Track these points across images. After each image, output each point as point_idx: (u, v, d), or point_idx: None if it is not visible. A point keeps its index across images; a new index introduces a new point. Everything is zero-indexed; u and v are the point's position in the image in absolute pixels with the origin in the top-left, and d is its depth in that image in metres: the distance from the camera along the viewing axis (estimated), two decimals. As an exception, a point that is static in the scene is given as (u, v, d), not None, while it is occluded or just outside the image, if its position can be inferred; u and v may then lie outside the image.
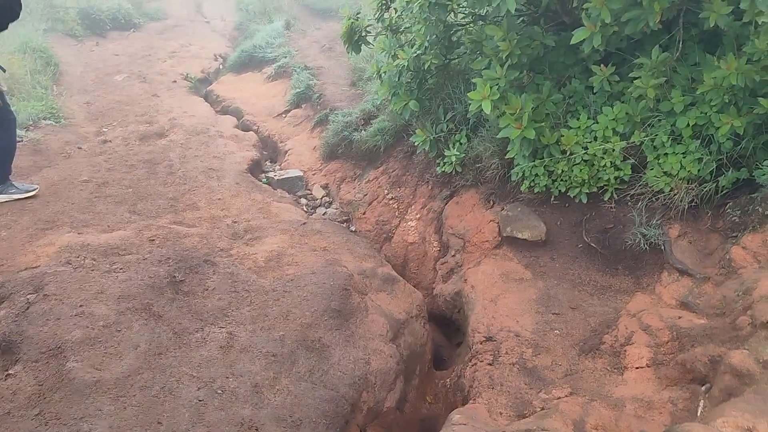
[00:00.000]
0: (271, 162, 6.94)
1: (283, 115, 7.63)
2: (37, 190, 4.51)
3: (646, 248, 3.68)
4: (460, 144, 4.78)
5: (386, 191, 5.39)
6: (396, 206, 5.25)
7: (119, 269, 3.24)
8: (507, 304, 3.68)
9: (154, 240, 3.83)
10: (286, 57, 9.04)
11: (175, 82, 8.83)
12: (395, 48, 4.74)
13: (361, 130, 5.99)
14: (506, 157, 4.25)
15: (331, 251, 3.98)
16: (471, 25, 4.43)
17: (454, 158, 4.68)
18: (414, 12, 3.85)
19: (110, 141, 6.04)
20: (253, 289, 3.32)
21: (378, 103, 6.19)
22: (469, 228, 4.48)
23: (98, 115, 7.18)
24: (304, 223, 4.43)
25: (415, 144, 5.04)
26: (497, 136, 4.12)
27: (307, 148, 6.63)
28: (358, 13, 5.37)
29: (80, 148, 5.74)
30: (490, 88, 3.98)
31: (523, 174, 4.26)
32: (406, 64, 4.42)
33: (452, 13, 4.39)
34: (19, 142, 5.38)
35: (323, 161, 6.24)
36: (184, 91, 8.47)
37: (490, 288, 3.82)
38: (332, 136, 6.10)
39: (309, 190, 5.96)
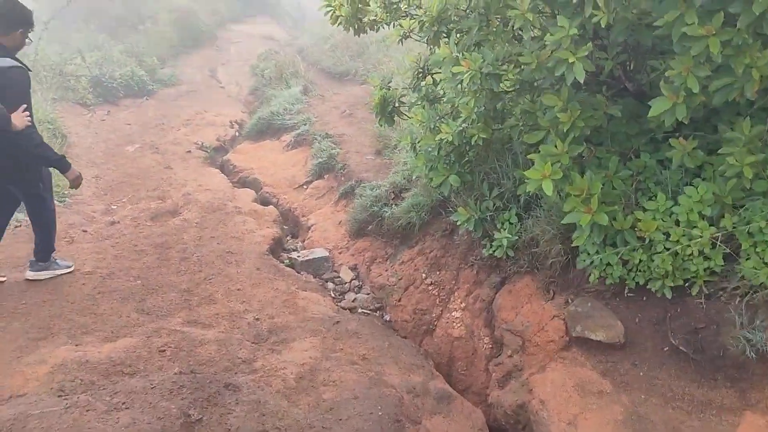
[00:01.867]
0: (292, 237, 6.43)
1: (305, 187, 7.16)
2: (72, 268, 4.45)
3: (752, 356, 3.06)
4: (510, 224, 4.23)
5: (424, 275, 4.82)
6: (436, 293, 4.67)
7: (122, 405, 2.65)
8: (589, 427, 3.04)
9: (164, 351, 3.26)
10: (305, 124, 8.67)
11: (189, 152, 8.44)
12: (434, 120, 4.27)
13: (392, 205, 5.48)
14: (573, 245, 3.69)
15: (372, 361, 3.39)
16: (525, 94, 3.95)
17: (505, 241, 4.13)
18: (464, 83, 3.39)
19: (119, 222, 5.56)
20: (286, 426, 2.71)
21: (409, 175, 5.71)
22: (528, 323, 3.88)
23: (107, 190, 6.74)
24: (337, 322, 3.86)
25: (457, 223, 4.51)
26: (562, 222, 3.57)
27: (332, 224, 6.12)
28: (389, 82, 4.95)
29: (85, 231, 5.25)
30: (551, 165, 3.46)
31: (592, 262, 3.69)
32: (450, 139, 3.93)
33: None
34: (18, 226, 4.92)
35: (350, 238, 5.71)
36: (198, 162, 8.06)
37: (564, 404, 3.19)
38: (360, 212, 5.59)
39: (336, 271, 5.40)
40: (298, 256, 5.45)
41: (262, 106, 11.35)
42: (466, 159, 4.61)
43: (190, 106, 11.80)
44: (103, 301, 3.92)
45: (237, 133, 10.35)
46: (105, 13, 17.11)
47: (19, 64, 3.67)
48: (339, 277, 5.28)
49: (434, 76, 4.52)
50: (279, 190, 7.23)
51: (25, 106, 3.62)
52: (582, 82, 3.24)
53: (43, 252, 4.26)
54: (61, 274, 4.30)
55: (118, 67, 12.59)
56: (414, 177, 5.29)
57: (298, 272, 5.20)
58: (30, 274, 4.20)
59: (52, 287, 4.08)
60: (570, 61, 3.24)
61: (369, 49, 13.70)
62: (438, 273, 4.78)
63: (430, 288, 4.73)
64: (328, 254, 5.52)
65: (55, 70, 10.87)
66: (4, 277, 4.15)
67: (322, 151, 7.38)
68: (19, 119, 3.54)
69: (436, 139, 4.10)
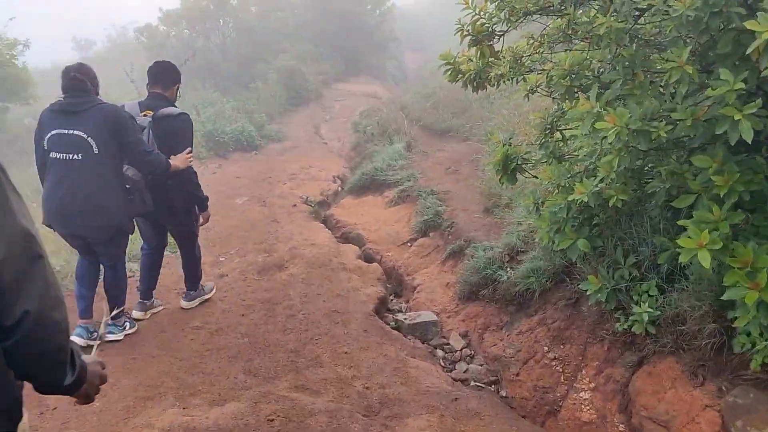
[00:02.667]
0: (396, 296, 6.17)
1: (409, 244, 6.94)
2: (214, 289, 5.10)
3: None
4: (650, 297, 3.76)
5: (545, 348, 4.38)
6: (560, 369, 4.21)
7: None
8: None
9: (273, 420, 3.03)
10: (409, 180, 8.53)
11: (294, 206, 8.50)
12: (565, 178, 3.93)
13: (507, 268, 5.12)
14: (733, 325, 3.18)
15: (500, 449, 3.00)
16: (670, 154, 3.55)
17: (645, 316, 3.65)
18: (608, 140, 3.06)
19: (227, 275, 5.54)
20: None
21: (525, 236, 5.35)
22: (674, 413, 3.35)
23: (216, 242, 6.83)
24: (456, 399, 3.50)
25: (586, 292, 4.08)
26: (721, 298, 3.09)
27: (439, 285, 5.81)
28: (510, 138, 4.69)
29: (196, 283, 5.25)
30: (708, 233, 3.02)
31: (753, 345, 3.15)
32: (585, 200, 3.57)
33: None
34: (130, 277, 4.97)
35: (460, 302, 5.37)
36: (303, 216, 8.07)
37: None
38: (471, 274, 5.26)
39: (445, 337, 5.06)
40: (405, 319, 5.16)
41: (364, 162, 11.42)
42: (596, 222, 4.21)
43: (296, 161, 12.07)
44: (211, 359, 3.79)
45: (340, 188, 10.40)
46: (220, 73, 18.21)
47: (185, 111, 4.18)
48: (448, 344, 4.93)
49: (563, 132, 4.21)
50: (382, 247, 7.04)
51: (190, 149, 4.14)
52: (750, 142, 2.82)
53: (194, 281, 4.81)
54: (207, 298, 4.89)
55: (229, 123, 13.19)
56: (537, 240, 4.92)
57: (405, 336, 4.90)
58: (184, 304, 4.75)
59: (161, 342, 4.01)
60: (736, 118, 2.84)
61: (472, 106, 13.60)
62: (562, 347, 4.33)
63: (552, 363, 4.27)
64: (436, 318, 5.20)
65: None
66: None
67: (427, 208, 7.16)
68: (181, 161, 4.02)
69: (567, 198, 3.75)
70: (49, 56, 25.23)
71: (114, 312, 3.96)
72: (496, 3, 3.59)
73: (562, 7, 3.46)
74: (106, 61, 27.48)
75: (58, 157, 3.56)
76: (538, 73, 4.18)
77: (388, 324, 5.09)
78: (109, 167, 3.63)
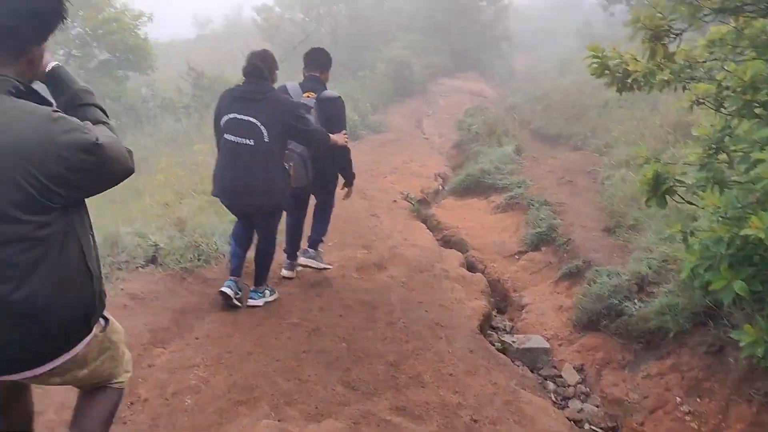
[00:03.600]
0: (499, 313, 5.71)
1: (516, 257, 6.45)
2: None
3: None
4: (826, 362, 3.11)
5: (678, 398, 3.80)
6: (696, 426, 3.63)
7: None
8: None
9: (374, 449, 2.69)
10: (519, 187, 8.00)
11: (395, 201, 8.18)
12: (735, 208, 3.34)
13: (635, 299, 4.55)
14: None
15: None
16: None
17: (821, 386, 3.02)
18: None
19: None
20: None
21: (658, 266, 4.74)
22: None
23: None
24: (581, 452, 3.03)
25: (735, 341, 3.47)
26: None
27: (551, 307, 5.30)
28: (660, 154, 4.11)
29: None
30: None
31: None
32: (762, 236, 2.98)
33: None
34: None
35: (575, 330, 4.84)
36: (404, 213, 7.73)
37: None
38: (592, 301, 4.72)
39: (556, 367, 4.57)
40: (513, 342, 4.70)
41: (468, 162, 10.95)
42: (757, 262, 3.57)
43: (397, 154, 11.77)
44: (308, 364, 3.51)
45: (441, 187, 9.99)
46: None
47: (340, 95, 4.61)
48: (560, 376, 4.43)
49: (731, 153, 3.60)
50: (487, 256, 6.58)
51: (345, 131, 4.58)
52: None
53: (316, 242, 5.07)
54: (324, 269, 5.08)
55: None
56: (679, 273, 4.31)
57: (513, 361, 4.45)
58: (302, 260, 4.96)
59: (257, 337, 3.78)
60: None
61: (588, 113, 12.79)
62: (698, 400, 3.73)
63: (686, 418, 3.69)
64: (547, 345, 4.70)
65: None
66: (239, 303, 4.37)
67: (540, 220, 6.63)
68: (340, 138, 4.45)
69: (739, 232, 3.16)
70: (169, 30, 26.33)
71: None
72: (678, -3, 3.04)
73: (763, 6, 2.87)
74: (223, 38, 28.44)
75: (231, 139, 3.91)
76: (709, 82, 3.58)
77: (494, 344, 4.65)
78: (276, 153, 3.97)
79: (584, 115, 12.80)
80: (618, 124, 10.55)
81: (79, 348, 1.70)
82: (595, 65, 4.27)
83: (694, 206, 4.15)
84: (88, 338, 1.74)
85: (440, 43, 21.21)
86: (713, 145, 3.64)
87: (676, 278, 4.48)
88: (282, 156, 4.07)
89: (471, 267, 6.34)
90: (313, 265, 4.95)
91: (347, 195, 5.12)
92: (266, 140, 3.86)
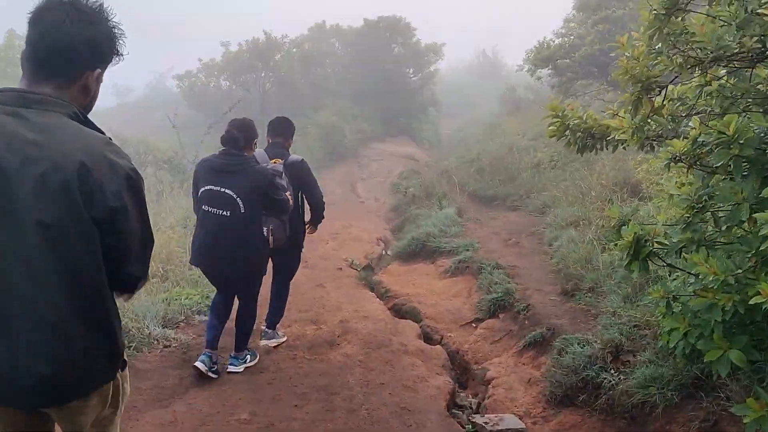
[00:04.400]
0: (460, 388, 5.28)
1: (474, 325, 6.09)
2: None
3: None
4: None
5: (676, 481, 3.46)
6: None
7: None
8: None
9: None
10: (467, 250, 7.75)
11: (340, 269, 7.74)
12: (728, 273, 3.12)
13: (611, 369, 4.25)
14: None
15: None
16: None
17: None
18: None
19: (274, 351, 4.72)
20: None
21: (629, 332, 4.50)
22: None
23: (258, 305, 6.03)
24: None
25: (743, 420, 3.19)
26: None
27: (518, 380, 4.92)
28: (628, 217, 3.92)
29: (239, 359, 4.44)
30: None
31: None
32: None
33: None
34: (166, 347, 4.20)
35: (549, 407, 4.46)
36: (351, 282, 7.28)
37: None
38: (566, 374, 4.39)
39: (534, 451, 4.15)
40: (485, 423, 4.26)
41: (407, 225, 10.72)
42: (754, 330, 3.36)
43: (335, 218, 11.31)
44: (266, 474, 2.94)
45: (384, 252, 9.63)
46: (260, 125, 17.92)
47: (303, 158, 4.85)
48: (541, 460, 4.02)
49: (716, 213, 3.43)
50: (442, 326, 6.19)
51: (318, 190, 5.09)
52: None
53: (275, 323, 5.08)
54: (278, 344, 4.97)
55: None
56: (661, 341, 4.06)
57: (488, 445, 4.01)
58: (263, 342, 4.91)
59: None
60: None
61: (521, 174, 12.96)
62: (698, 482, 3.41)
63: (688, 504, 3.35)
64: (523, 426, 4.29)
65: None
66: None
67: (495, 285, 6.35)
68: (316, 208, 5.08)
69: (739, 300, 2.93)
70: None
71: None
72: (665, 45, 2.87)
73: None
74: (146, 107, 27.68)
75: (209, 210, 3.99)
76: (685, 139, 3.44)
77: (464, 427, 4.21)
78: (253, 222, 4.06)
79: (518, 177, 12.95)
80: (552, 184, 10.67)
81: (103, 389, 1.73)
82: (554, 126, 4.14)
83: (657, 267, 3.97)
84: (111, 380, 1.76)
85: (370, 109, 21.37)
86: (696, 204, 3.48)
87: (653, 346, 4.24)
88: (260, 222, 4.15)
89: (427, 338, 5.92)
90: (274, 345, 4.93)
91: (311, 231, 5.28)
92: (242, 211, 3.94)
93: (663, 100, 3.09)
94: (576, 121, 4.08)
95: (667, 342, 3.58)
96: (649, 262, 3.62)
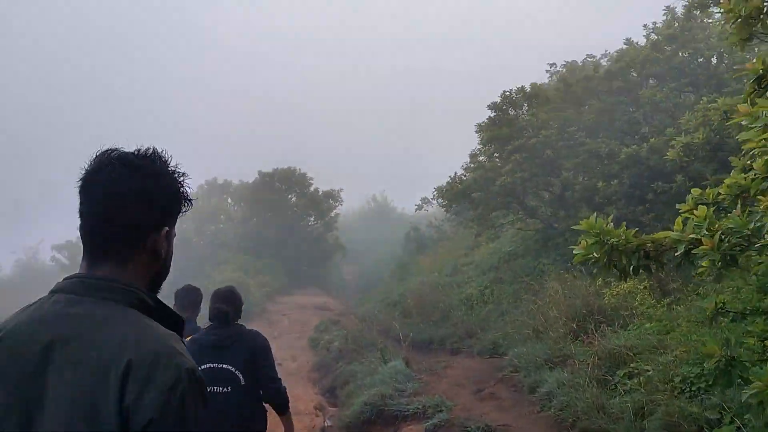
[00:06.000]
0: None
1: None
2: None
3: None
4: None
5: None
6: None
7: None
8: None
9: None
10: (440, 410, 6.43)
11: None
12: None
13: None
14: None
15: None
16: None
17: None
18: None
19: None
20: None
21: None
22: None
23: None
24: None
25: None
26: None
27: None
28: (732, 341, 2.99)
29: None
30: None
31: None
32: None
33: None
34: None
35: None
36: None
37: None
38: None
39: None
40: None
41: (346, 386, 9.24)
42: None
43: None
44: None
45: (327, 422, 8.04)
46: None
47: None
48: None
49: None
50: None
51: None
52: None
53: None
54: None
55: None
56: None
57: None
58: None
59: None
60: None
61: (454, 313, 12.09)
62: None
63: None
64: None
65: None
66: None
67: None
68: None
69: None
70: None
71: None
72: None
73: None
74: (18, 284, 24.72)
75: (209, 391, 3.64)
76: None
77: None
78: (253, 392, 3.77)
79: (450, 315, 12.09)
80: (497, 320, 9.86)
81: None
82: (587, 249, 3.32)
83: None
84: None
85: (274, 262, 20.20)
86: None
87: None
88: (258, 394, 3.79)
89: None
90: None
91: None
92: (243, 383, 3.71)
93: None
94: (618, 240, 3.26)
95: None
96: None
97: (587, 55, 14.78)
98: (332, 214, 22.98)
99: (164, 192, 1.38)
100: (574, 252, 3.53)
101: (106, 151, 1.36)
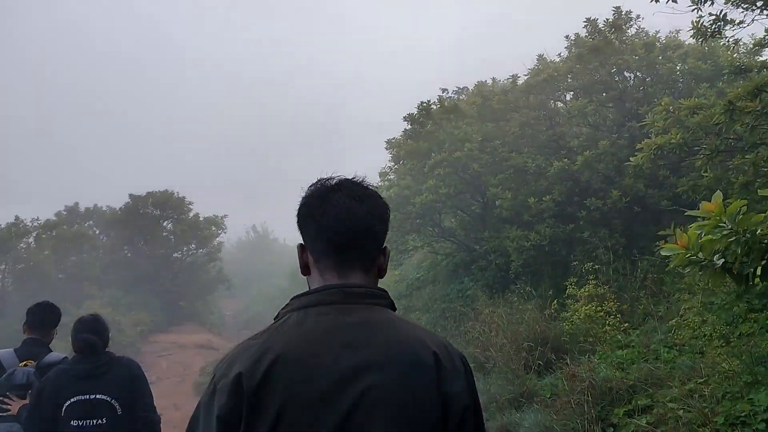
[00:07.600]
0: None
1: None
2: None
3: None
4: None
5: None
6: None
7: None
8: None
9: None
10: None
11: None
12: None
13: None
14: None
15: None
16: None
17: None
18: None
19: None
20: None
21: None
22: None
23: None
24: None
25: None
26: None
27: None
28: None
29: None
30: None
31: None
32: None
33: None
34: None
35: None
36: None
37: None
38: None
39: None
40: None
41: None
42: None
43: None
44: None
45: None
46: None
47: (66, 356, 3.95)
48: None
49: None
50: None
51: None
52: None
53: None
54: None
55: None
56: None
57: None
58: None
59: None
60: None
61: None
62: None
63: None
64: None
65: None
66: None
67: None
68: None
69: None
70: None
71: None
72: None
73: None
74: None
75: (80, 424, 3.39)
76: None
77: None
78: (132, 422, 3.46)
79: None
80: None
81: None
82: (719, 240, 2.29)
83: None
84: None
85: (147, 297, 17.76)
86: None
87: None
88: (136, 425, 3.44)
89: None
90: None
91: None
92: (119, 413, 3.38)
93: None
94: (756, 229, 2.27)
95: None
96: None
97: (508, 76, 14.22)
98: (215, 242, 20.88)
99: (388, 213, 1.49)
100: (662, 254, 2.50)
101: (345, 179, 1.48)
